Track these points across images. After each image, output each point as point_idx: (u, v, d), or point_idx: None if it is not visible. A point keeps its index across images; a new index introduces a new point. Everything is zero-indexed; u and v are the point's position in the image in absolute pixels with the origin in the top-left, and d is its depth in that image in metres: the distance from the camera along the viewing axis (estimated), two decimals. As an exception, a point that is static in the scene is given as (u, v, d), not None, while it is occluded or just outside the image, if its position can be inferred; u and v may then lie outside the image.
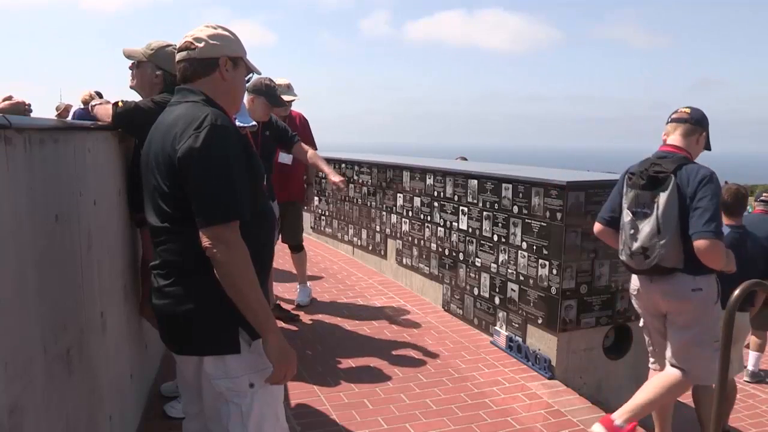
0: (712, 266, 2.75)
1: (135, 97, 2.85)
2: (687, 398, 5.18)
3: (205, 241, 1.66)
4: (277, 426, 1.89)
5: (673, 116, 3.02)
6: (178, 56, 1.89)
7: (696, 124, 2.96)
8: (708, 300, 2.86)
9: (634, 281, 3.12)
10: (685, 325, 2.89)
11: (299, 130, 4.83)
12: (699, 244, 2.67)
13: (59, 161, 1.73)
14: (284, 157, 4.62)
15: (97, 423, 2.05)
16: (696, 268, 2.75)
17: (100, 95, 7.03)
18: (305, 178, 5.04)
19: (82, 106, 7.21)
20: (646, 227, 2.82)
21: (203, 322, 1.76)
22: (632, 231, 2.87)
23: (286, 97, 4.60)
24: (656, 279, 2.90)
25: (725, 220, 3.74)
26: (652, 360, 3.23)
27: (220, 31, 1.89)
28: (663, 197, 2.77)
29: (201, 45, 1.84)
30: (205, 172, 1.67)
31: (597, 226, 3.26)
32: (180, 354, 1.88)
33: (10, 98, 3.33)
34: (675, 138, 2.97)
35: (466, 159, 7.66)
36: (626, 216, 2.92)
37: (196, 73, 1.86)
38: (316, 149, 4.93)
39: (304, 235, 5.02)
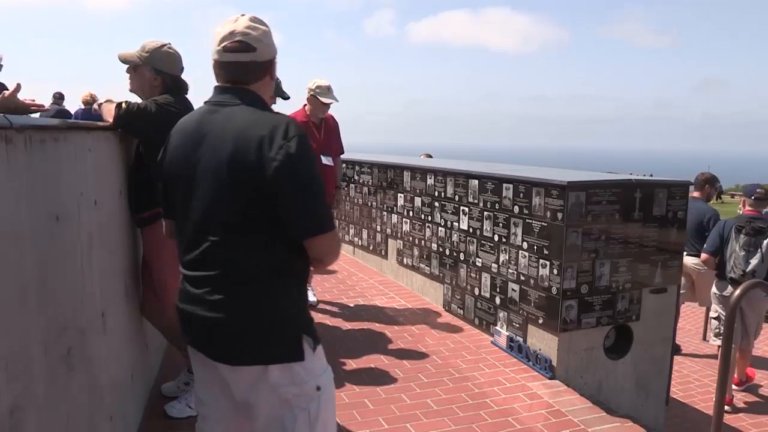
0: None
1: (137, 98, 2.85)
2: (688, 398, 5.19)
3: (319, 251, 1.73)
4: (335, 425, 1.90)
5: (755, 197, 4.99)
6: (232, 56, 1.73)
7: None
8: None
9: (729, 289, 4.90)
10: (757, 310, 5.06)
11: (332, 132, 4.74)
12: None
13: (60, 161, 1.72)
14: (325, 159, 4.54)
15: (98, 423, 2.05)
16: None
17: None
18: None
19: (82, 107, 7.23)
20: (755, 260, 4.74)
21: (270, 331, 1.72)
22: (745, 261, 4.78)
23: (325, 100, 4.49)
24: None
25: (694, 193, 5.66)
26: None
27: (268, 28, 1.77)
28: (766, 242, 4.74)
29: (260, 47, 1.73)
30: (307, 183, 1.66)
31: (705, 256, 5.19)
32: (239, 365, 1.74)
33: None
34: (757, 208, 4.98)
35: (431, 156, 7.87)
36: (740, 252, 4.82)
37: (255, 77, 1.76)
38: (343, 152, 4.91)
39: None
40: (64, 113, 6.97)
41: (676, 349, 5.94)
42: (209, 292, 1.71)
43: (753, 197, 4.97)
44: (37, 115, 2.64)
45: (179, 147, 1.77)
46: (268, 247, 1.70)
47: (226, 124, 1.68)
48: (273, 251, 1.71)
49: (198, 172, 1.70)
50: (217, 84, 1.77)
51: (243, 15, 1.77)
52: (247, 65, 1.74)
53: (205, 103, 1.80)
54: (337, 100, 4.55)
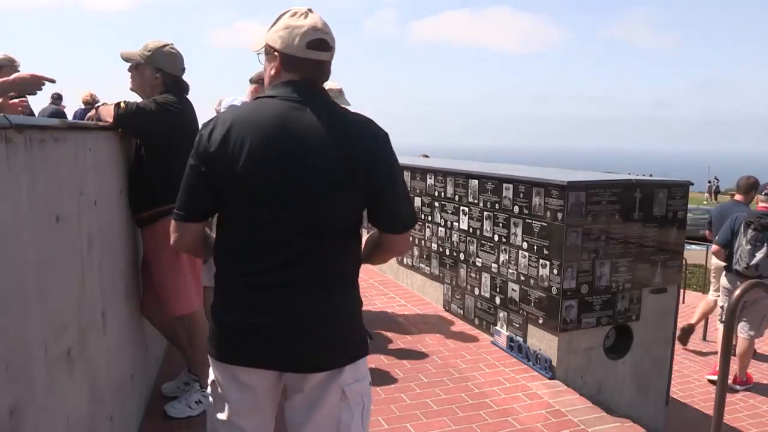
0: None
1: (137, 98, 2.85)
2: (687, 399, 5.19)
3: (404, 244, 1.86)
4: None
5: (765, 192, 5.24)
6: (314, 54, 1.64)
7: None
8: None
9: (735, 282, 5.05)
10: (759, 305, 5.20)
11: None
12: None
13: (60, 161, 1.72)
14: None
15: (98, 423, 2.05)
16: None
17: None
18: None
19: (82, 107, 7.22)
20: (760, 254, 4.94)
21: (354, 329, 1.73)
22: (750, 255, 4.99)
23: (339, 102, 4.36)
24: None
25: (737, 197, 6.07)
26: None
27: None
28: None
29: (334, 47, 1.71)
30: (403, 177, 1.76)
31: (715, 247, 5.44)
32: (327, 369, 1.66)
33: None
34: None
35: (428, 156, 8.13)
36: (746, 246, 5.02)
37: (326, 77, 1.74)
38: None
39: None
40: (60, 114, 6.96)
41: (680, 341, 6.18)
42: (299, 298, 1.63)
43: (764, 193, 5.28)
44: (36, 113, 2.66)
45: (256, 142, 1.57)
46: (356, 246, 1.76)
47: (326, 123, 1.61)
48: (358, 250, 1.77)
49: (297, 170, 1.58)
50: (289, 79, 1.65)
51: (310, 10, 1.68)
52: (325, 64, 1.69)
53: (271, 98, 1.64)
54: (349, 105, 4.27)
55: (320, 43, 1.64)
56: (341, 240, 1.67)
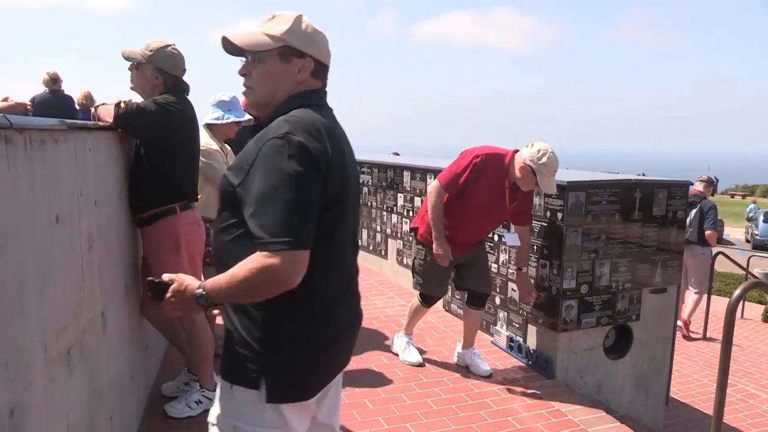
0: (711, 242, 6.75)
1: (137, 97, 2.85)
2: (687, 398, 5.18)
3: None
4: None
5: (699, 179, 6.94)
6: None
7: (711, 183, 7.05)
8: (707, 256, 6.99)
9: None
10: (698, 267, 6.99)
11: (525, 200, 3.63)
12: (709, 234, 6.69)
13: (60, 161, 1.72)
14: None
15: (98, 423, 2.06)
16: (703, 243, 6.75)
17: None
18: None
19: (76, 107, 7.18)
20: (688, 220, 6.26)
21: None
22: (690, 227, 6.57)
23: (543, 186, 3.41)
24: (690, 247, 6.51)
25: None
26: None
27: None
28: (693, 212, 6.55)
29: None
30: None
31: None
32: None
33: (6, 99, 3.32)
34: (699, 189, 6.90)
35: (398, 154, 8.26)
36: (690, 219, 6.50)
37: None
38: (531, 222, 3.79)
39: None
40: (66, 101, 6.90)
41: None
42: (357, 296, 1.75)
43: (698, 180, 6.95)
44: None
45: (346, 150, 1.57)
46: None
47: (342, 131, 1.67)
48: None
49: (357, 178, 1.67)
50: (318, 87, 1.59)
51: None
52: None
53: (319, 106, 1.57)
54: (555, 193, 3.59)
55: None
56: None
